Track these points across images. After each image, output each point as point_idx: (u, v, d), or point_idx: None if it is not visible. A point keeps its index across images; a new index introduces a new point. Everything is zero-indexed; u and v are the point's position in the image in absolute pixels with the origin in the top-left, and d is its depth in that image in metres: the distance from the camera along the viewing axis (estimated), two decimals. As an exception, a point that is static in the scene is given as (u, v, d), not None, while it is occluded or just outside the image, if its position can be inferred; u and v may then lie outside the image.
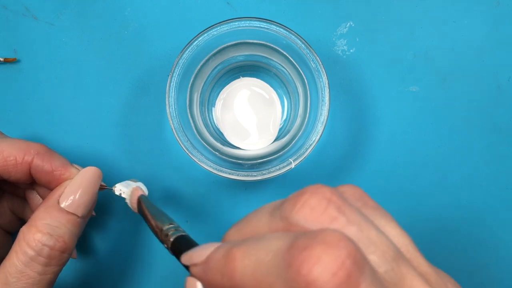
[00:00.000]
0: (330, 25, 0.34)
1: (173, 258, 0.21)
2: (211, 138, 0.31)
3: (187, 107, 0.31)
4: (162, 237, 0.22)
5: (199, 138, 0.31)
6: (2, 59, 0.33)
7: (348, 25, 0.34)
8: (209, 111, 0.33)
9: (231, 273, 0.16)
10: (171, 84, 0.29)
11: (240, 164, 0.30)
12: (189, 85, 0.31)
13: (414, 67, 0.34)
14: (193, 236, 0.22)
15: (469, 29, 0.34)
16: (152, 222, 0.24)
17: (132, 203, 0.27)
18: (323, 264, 0.13)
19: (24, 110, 0.34)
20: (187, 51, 0.29)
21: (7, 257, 0.24)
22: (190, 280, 0.18)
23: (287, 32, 0.29)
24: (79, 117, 0.34)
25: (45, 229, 0.24)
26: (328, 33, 0.34)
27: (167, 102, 0.29)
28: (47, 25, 0.34)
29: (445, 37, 0.34)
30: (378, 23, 0.34)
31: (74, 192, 0.25)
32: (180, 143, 0.29)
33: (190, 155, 0.29)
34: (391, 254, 0.16)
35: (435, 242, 0.34)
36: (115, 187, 0.28)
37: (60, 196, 0.25)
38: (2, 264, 0.24)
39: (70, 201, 0.25)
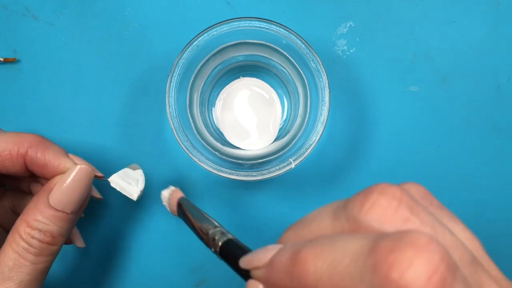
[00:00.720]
0: (330, 25, 0.34)
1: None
2: (211, 138, 0.31)
3: (187, 107, 0.31)
4: (209, 241, 0.22)
5: (199, 138, 0.31)
6: (2, 59, 0.33)
7: (348, 25, 0.34)
8: (209, 111, 0.33)
9: (303, 276, 0.15)
10: (171, 84, 0.29)
11: (240, 164, 0.30)
12: (189, 85, 0.31)
13: (414, 67, 0.34)
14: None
15: (469, 29, 0.34)
16: (197, 225, 0.23)
17: (171, 206, 0.27)
18: (417, 268, 0.13)
19: (24, 110, 0.34)
20: (187, 51, 0.29)
21: (2, 249, 0.25)
22: (253, 283, 0.17)
23: (287, 32, 0.29)
24: (79, 117, 0.34)
25: (35, 224, 0.25)
26: (328, 33, 0.34)
27: (167, 102, 0.29)
28: (47, 25, 0.34)
29: (445, 37, 0.34)
30: (378, 23, 0.34)
31: (63, 190, 0.25)
32: (180, 143, 0.29)
33: (190, 155, 0.29)
34: (468, 258, 0.15)
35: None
36: (111, 179, 0.28)
37: (49, 192, 0.25)
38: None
39: (59, 199, 0.25)
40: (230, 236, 0.21)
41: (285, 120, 0.33)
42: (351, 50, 0.34)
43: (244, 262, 0.18)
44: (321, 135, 0.29)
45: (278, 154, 0.31)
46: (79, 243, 0.29)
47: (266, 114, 0.33)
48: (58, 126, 0.34)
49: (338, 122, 0.34)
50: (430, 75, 0.34)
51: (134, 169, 0.29)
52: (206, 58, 0.31)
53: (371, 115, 0.34)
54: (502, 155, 0.34)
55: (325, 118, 0.29)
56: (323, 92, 0.29)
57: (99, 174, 0.28)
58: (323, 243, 0.15)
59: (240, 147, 0.32)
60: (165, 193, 0.27)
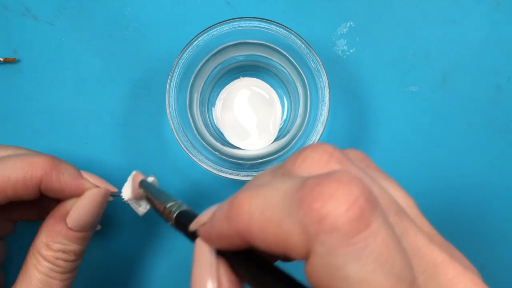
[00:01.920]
0: (330, 25, 0.34)
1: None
2: (211, 138, 0.31)
3: (187, 107, 0.31)
4: (165, 215, 0.22)
5: (199, 138, 0.31)
6: (2, 59, 0.33)
7: (348, 25, 0.34)
8: (209, 111, 0.33)
9: (237, 217, 0.15)
10: (171, 84, 0.29)
11: (240, 164, 0.30)
12: (189, 85, 0.31)
13: (414, 67, 0.34)
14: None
15: (469, 29, 0.34)
16: (155, 202, 0.24)
17: (136, 191, 0.27)
18: (336, 199, 0.13)
19: (24, 110, 0.34)
20: (187, 51, 0.29)
21: (24, 271, 0.25)
22: (198, 243, 0.18)
23: (287, 32, 0.29)
24: (79, 117, 0.34)
25: (57, 247, 0.26)
26: (328, 33, 0.34)
27: (167, 102, 0.29)
28: (47, 25, 0.34)
29: (445, 37, 0.34)
30: (378, 23, 0.34)
31: (81, 213, 0.26)
32: (180, 143, 0.29)
33: (190, 155, 0.29)
34: (394, 208, 0.16)
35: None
36: (122, 193, 0.28)
37: (67, 214, 0.26)
38: (21, 278, 0.25)
39: (77, 222, 0.26)
40: (185, 207, 0.21)
41: (285, 120, 0.33)
42: (351, 50, 0.34)
43: (192, 224, 0.18)
44: (321, 135, 0.29)
45: (278, 154, 0.31)
46: (111, 187, 0.29)
47: (266, 114, 0.33)
48: (58, 126, 0.34)
49: (338, 122, 0.34)
50: (430, 75, 0.34)
51: (150, 180, 0.28)
52: (206, 58, 0.31)
53: (371, 115, 0.34)
54: (502, 155, 0.34)
55: (325, 118, 0.29)
56: (323, 92, 0.29)
57: (114, 190, 0.28)
58: (257, 186, 0.16)
59: (240, 147, 0.32)
60: (127, 188, 0.27)
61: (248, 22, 0.29)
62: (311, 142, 0.29)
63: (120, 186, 0.28)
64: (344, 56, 0.34)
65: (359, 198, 0.13)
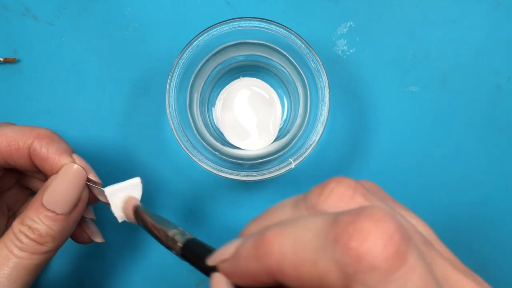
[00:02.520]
0: (330, 25, 0.34)
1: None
2: (211, 138, 0.31)
3: (187, 107, 0.31)
4: (168, 243, 0.22)
5: (199, 138, 0.31)
6: (2, 59, 0.33)
7: (348, 25, 0.34)
8: (209, 111, 0.33)
9: (268, 256, 0.15)
10: (171, 84, 0.29)
11: (240, 164, 0.30)
12: (189, 85, 0.31)
13: (414, 67, 0.34)
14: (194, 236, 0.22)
15: (469, 29, 0.34)
16: (155, 229, 0.23)
17: (126, 213, 0.26)
18: (373, 237, 0.14)
19: (24, 110, 0.34)
20: (187, 51, 0.29)
21: None
22: (216, 277, 0.17)
23: (287, 32, 0.29)
24: (79, 117, 0.34)
25: (26, 221, 0.25)
26: (328, 33, 0.34)
27: (167, 102, 0.29)
28: (47, 25, 0.34)
29: (445, 37, 0.34)
30: (378, 23, 0.34)
31: (54, 189, 0.25)
32: (180, 143, 0.29)
33: (190, 155, 0.29)
34: (420, 238, 0.16)
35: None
36: (107, 190, 0.26)
37: (45, 191, 0.25)
38: None
39: (50, 198, 0.25)
40: (189, 236, 0.21)
41: (285, 120, 0.33)
42: (351, 50, 0.34)
43: (211, 259, 0.18)
44: (321, 135, 0.29)
45: (278, 154, 0.31)
46: (99, 238, 0.29)
47: (266, 114, 0.33)
48: (58, 126, 0.34)
49: (338, 122, 0.34)
50: (430, 75, 0.34)
51: (133, 185, 0.27)
52: (206, 58, 0.31)
53: (371, 115, 0.34)
54: (502, 155, 0.34)
55: (325, 118, 0.29)
56: (323, 92, 0.29)
57: (96, 180, 0.27)
58: (285, 223, 0.16)
59: (240, 147, 0.32)
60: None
61: (248, 22, 0.29)
62: (312, 142, 0.29)
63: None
64: (344, 56, 0.34)
65: (395, 235, 0.14)
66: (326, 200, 0.17)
